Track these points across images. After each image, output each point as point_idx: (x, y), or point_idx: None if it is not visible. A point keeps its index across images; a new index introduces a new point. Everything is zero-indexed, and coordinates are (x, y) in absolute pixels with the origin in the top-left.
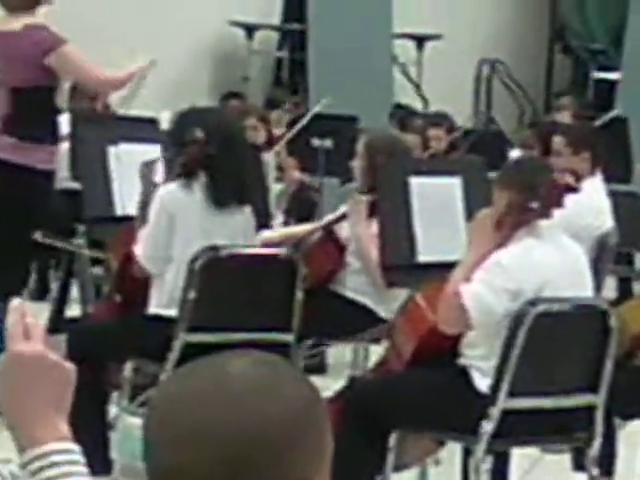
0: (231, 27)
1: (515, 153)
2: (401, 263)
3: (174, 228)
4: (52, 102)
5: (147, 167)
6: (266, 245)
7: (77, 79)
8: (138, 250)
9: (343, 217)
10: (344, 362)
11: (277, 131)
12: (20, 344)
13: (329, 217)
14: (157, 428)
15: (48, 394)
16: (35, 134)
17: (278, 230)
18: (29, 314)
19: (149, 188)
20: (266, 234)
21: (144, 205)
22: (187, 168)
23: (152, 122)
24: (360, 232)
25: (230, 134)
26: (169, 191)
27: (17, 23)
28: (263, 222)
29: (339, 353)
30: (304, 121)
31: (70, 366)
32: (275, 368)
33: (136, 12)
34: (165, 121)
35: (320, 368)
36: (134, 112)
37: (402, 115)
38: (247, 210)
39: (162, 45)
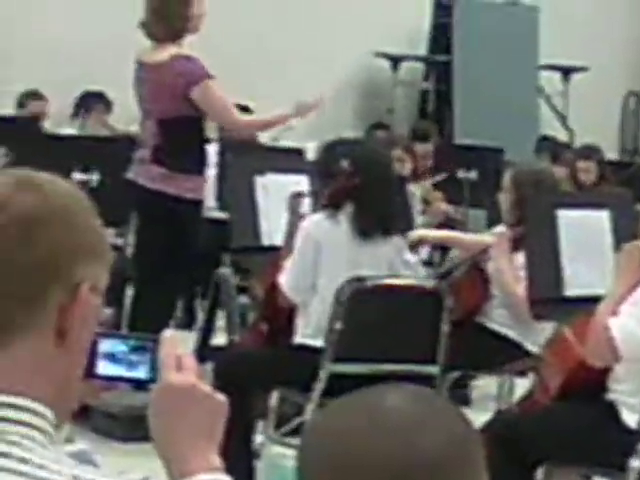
0: (377, 58)
1: None
2: (548, 296)
3: (319, 258)
4: (199, 132)
5: (295, 198)
6: (415, 245)
7: (214, 117)
8: (283, 280)
9: (487, 250)
10: (489, 395)
11: (423, 163)
12: (172, 375)
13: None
14: (312, 459)
15: (199, 425)
16: (183, 164)
17: (435, 231)
18: (179, 344)
19: (296, 218)
20: (421, 231)
21: (290, 235)
22: (333, 199)
23: (299, 152)
24: (503, 266)
25: (377, 166)
26: (315, 221)
27: (164, 54)
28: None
29: (484, 386)
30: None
31: (221, 398)
32: (430, 403)
33: (284, 44)
34: (311, 151)
35: (464, 401)
36: (281, 143)
37: (551, 147)
38: (393, 241)
39: (308, 76)
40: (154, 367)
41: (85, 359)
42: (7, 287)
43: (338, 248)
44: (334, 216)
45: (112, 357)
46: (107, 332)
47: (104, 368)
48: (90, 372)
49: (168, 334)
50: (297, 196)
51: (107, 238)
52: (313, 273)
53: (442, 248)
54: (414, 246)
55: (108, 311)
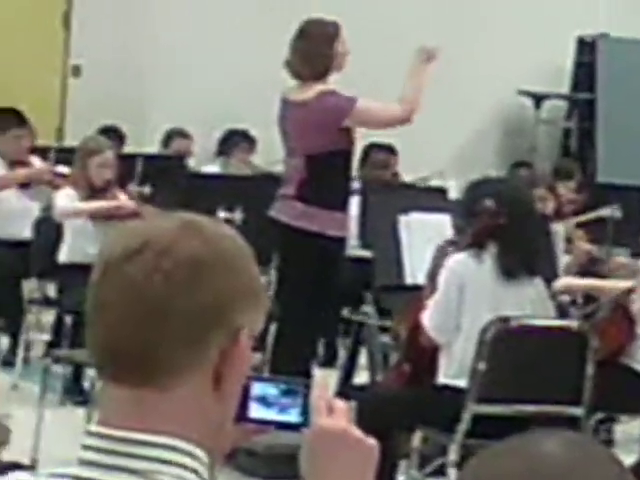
0: (519, 96)
1: None
2: None
3: (463, 297)
4: (345, 168)
5: (447, 243)
6: (565, 292)
7: (383, 124)
8: (426, 319)
9: (632, 290)
10: (633, 437)
11: (565, 201)
12: (324, 419)
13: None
14: None
15: (351, 470)
16: (328, 200)
17: (580, 280)
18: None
19: (440, 257)
20: (567, 280)
21: (434, 274)
22: (477, 238)
23: (441, 191)
24: None
25: (521, 205)
26: (459, 260)
27: (310, 92)
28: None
29: (628, 428)
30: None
31: (373, 443)
32: (587, 449)
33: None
34: (453, 190)
35: (608, 443)
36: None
37: None
38: (537, 281)
39: (451, 113)
40: (305, 411)
41: (237, 403)
42: (173, 331)
43: (482, 287)
44: (478, 255)
45: (264, 400)
46: (258, 375)
47: (256, 411)
48: (243, 415)
49: (320, 378)
50: (450, 242)
51: (261, 279)
52: (457, 313)
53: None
54: (560, 293)
55: (258, 356)
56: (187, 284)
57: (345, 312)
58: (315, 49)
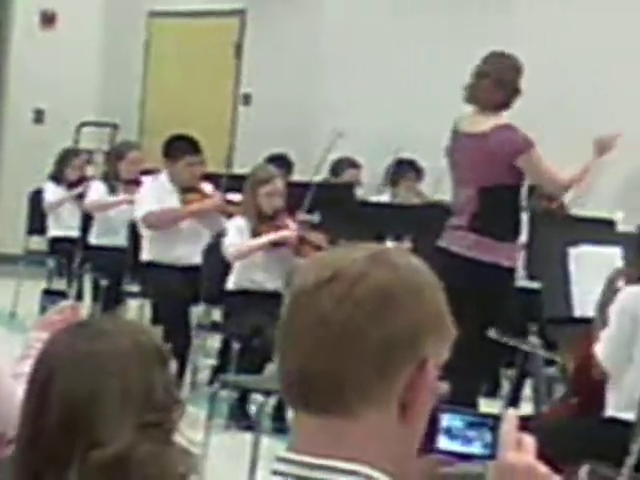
0: None
1: None
2: None
3: (636, 330)
4: (516, 201)
5: (617, 273)
6: None
7: (542, 182)
8: (598, 351)
9: None
10: None
11: None
12: (513, 454)
13: None
14: None
15: None
16: (500, 232)
17: None
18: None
19: (611, 291)
20: None
21: (603, 307)
22: None
23: (609, 223)
24: None
25: None
26: (633, 293)
27: (486, 123)
28: None
29: None
30: None
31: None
32: None
33: (594, 112)
34: (621, 221)
35: None
36: (589, 212)
37: None
38: None
39: (618, 143)
40: (492, 444)
41: (423, 433)
42: (363, 359)
43: None
44: None
45: (450, 432)
46: (447, 407)
47: (443, 443)
48: (431, 446)
49: (512, 413)
50: (619, 271)
51: (447, 309)
52: (629, 344)
53: None
54: None
55: (445, 385)
56: (378, 313)
57: (510, 342)
58: (509, 76)
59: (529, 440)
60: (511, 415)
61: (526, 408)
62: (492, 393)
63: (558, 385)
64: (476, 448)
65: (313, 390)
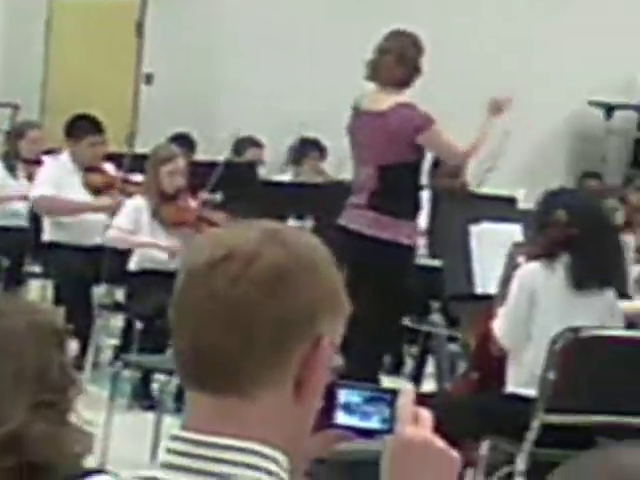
0: (590, 107)
1: None
2: None
3: (534, 306)
4: (415, 179)
5: (516, 247)
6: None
7: (444, 156)
8: (496, 327)
9: None
10: None
11: (636, 212)
12: (409, 428)
13: None
14: None
15: None
16: (399, 209)
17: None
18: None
19: (511, 267)
20: (627, 304)
21: (505, 283)
22: (549, 248)
23: (511, 201)
24: None
25: (594, 217)
26: (530, 270)
27: (386, 101)
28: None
29: None
30: None
31: (455, 455)
32: None
33: (495, 90)
34: (522, 199)
35: None
36: (490, 190)
37: None
38: (607, 294)
39: (521, 122)
40: (390, 419)
41: (319, 409)
42: (256, 339)
43: (553, 297)
44: (550, 265)
45: (348, 407)
46: (344, 382)
47: (341, 418)
48: (329, 422)
49: (407, 387)
50: (517, 245)
51: (342, 286)
52: (527, 321)
53: None
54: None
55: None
56: (271, 292)
57: (413, 321)
58: (410, 53)
59: (426, 414)
60: (408, 389)
61: (429, 385)
62: (395, 370)
63: (461, 362)
64: (374, 423)
65: (206, 370)
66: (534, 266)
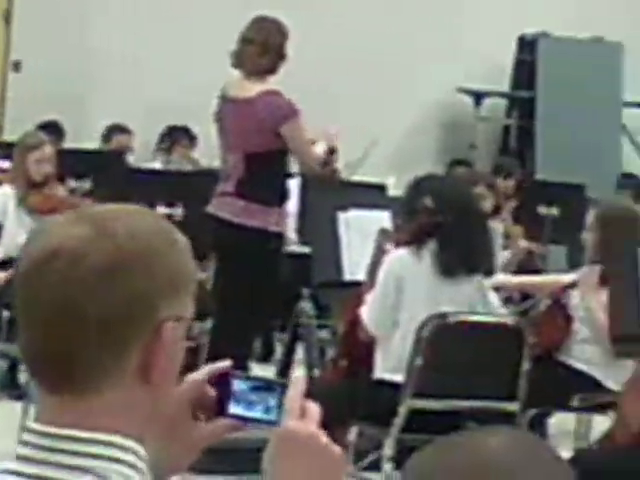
0: (459, 94)
1: None
2: (631, 333)
3: (401, 293)
4: (283, 166)
5: (384, 234)
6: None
7: (298, 154)
8: (364, 313)
9: (573, 285)
10: (567, 432)
11: (504, 199)
12: (294, 422)
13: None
14: None
15: (314, 476)
16: (267, 197)
17: (516, 278)
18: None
19: (380, 254)
20: (501, 278)
21: (373, 270)
22: (415, 235)
23: (380, 188)
24: (591, 304)
25: (460, 203)
26: (398, 256)
27: (252, 89)
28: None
29: (562, 423)
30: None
31: (339, 452)
32: (531, 447)
33: (368, 79)
34: (392, 186)
35: (542, 437)
36: (361, 177)
37: (633, 185)
38: (476, 279)
39: (391, 111)
40: (275, 409)
41: (171, 392)
42: (87, 338)
43: (420, 284)
44: (417, 252)
45: (240, 397)
46: (237, 373)
47: (233, 408)
48: (221, 411)
49: (299, 376)
50: (384, 232)
51: (189, 264)
52: (394, 308)
53: None
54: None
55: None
56: (99, 290)
57: (282, 307)
58: (273, 42)
59: (314, 408)
60: (298, 381)
61: (298, 372)
62: (265, 358)
63: (330, 349)
64: (258, 413)
65: (42, 368)
66: (402, 253)
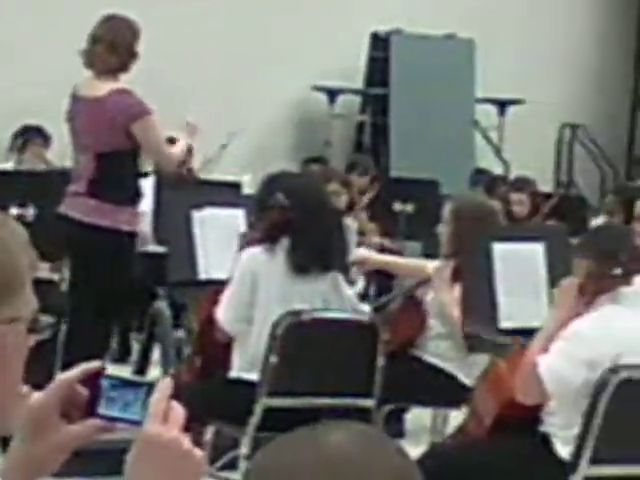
0: (313, 91)
1: (599, 220)
2: (483, 329)
3: (256, 291)
4: (135, 165)
5: (245, 236)
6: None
7: (149, 152)
8: (219, 312)
9: (427, 281)
10: (423, 427)
11: (359, 195)
12: (156, 426)
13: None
14: None
15: None
16: (118, 196)
17: (378, 255)
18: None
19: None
20: (363, 252)
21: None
22: (268, 232)
23: (235, 186)
24: (444, 298)
25: (315, 201)
26: (252, 254)
27: (103, 88)
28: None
29: (418, 418)
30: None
31: (201, 457)
32: (373, 440)
33: (221, 75)
34: (247, 185)
35: (399, 433)
36: (217, 176)
37: (486, 180)
38: (330, 276)
39: (245, 109)
40: (140, 410)
41: (15, 390)
42: None
43: (274, 282)
44: (272, 250)
45: (111, 398)
46: (109, 374)
47: (104, 408)
48: (92, 411)
49: (166, 381)
50: (246, 235)
51: (21, 261)
52: (249, 306)
53: (378, 282)
54: (356, 264)
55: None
56: None
57: (138, 307)
58: (123, 40)
59: (179, 412)
60: (165, 383)
61: (155, 372)
62: (122, 358)
63: (186, 348)
64: (128, 413)
65: None
66: (256, 250)
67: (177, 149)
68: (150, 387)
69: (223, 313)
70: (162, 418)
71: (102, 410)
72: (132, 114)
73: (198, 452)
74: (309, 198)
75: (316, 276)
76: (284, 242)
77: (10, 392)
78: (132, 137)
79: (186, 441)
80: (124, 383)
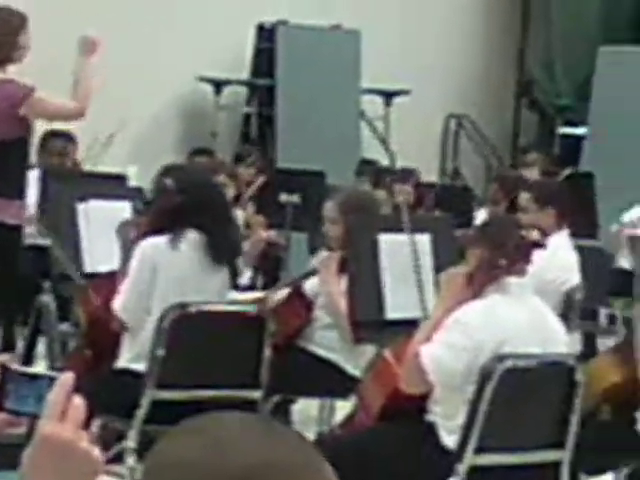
0: (199, 82)
1: (483, 210)
2: (369, 319)
3: (155, 281)
4: (23, 157)
5: (123, 226)
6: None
7: (55, 116)
8: (117, 301)
9: (313, 273)
10: (310, 418)
11: (245, 187)
12: (53, 425)
13: (299, 274)
14: None
15: None
16: (5, 189)
17: (251, 294)
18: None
19: (127, 245)
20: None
21: (125, 261)
22: (157, 219)
23: (121, 178)
24: (331, 289)
25: (201, 183)
26: (154, 244)
27: None
28: (233, 280)
29: (305, 409)
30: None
31: (98, 457)
32: (271, 428)
33: (107, 64)
34: (133, 177)
35: (286, 424)
36: (102, 168)
37: (373, 171)
38: (223, 268)
39: (130, 100)
40: (39, 404)
41: None
42: None
43: (172, 273)
44: (173, 241)
45: (16, 392)
46: (11, 368)
47: (7, 402)
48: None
49: (67, 377)
50: (125, 224)
51: None
52: (148, 296)
53: (265, 272)
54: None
55: None
56: None
57: (23, 300)
58: (1, 32)
59: (79, 408)
60: (65, 379)
61: (41, 365)
62: (6, 351)
63: (72, 341)
64: (31, 407)
65: None
66: (157, 241)
67: (87, 89)
68: (52, 380)
69: (121, 302)
70: (60, 415)
71: (7, 404)
72: (17, 99)
73: (95, 451)
74: (197, 181)
75: (213, 269)
76: (189, 235)
77: None
78: (20, 126)
79: (83, 440)
80: (28, 377)
